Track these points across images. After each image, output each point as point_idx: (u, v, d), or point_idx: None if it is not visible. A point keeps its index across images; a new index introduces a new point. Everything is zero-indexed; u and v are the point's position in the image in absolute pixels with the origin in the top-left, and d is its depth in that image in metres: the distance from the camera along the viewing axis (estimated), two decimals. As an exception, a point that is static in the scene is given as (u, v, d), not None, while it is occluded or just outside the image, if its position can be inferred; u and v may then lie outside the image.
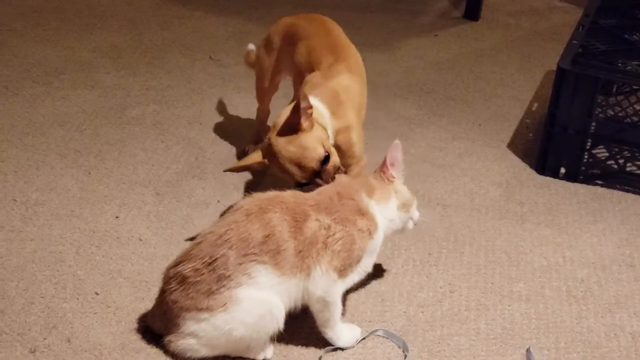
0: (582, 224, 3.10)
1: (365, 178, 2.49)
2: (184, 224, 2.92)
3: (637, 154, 3.37)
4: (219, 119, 3.71)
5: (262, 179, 3.19)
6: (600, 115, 3.40)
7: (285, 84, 3.30)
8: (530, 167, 3.46)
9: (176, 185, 3.16)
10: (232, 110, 3.80)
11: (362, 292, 2.64)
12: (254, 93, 3.37)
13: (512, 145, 3.64)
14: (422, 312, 2.58)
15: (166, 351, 2.30)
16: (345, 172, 2.64)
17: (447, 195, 3.23)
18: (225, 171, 2.71)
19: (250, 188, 3.03)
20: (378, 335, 2.46)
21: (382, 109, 3.90)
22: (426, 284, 2.71)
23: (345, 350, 2.39)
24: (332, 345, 2.38)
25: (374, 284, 2.68)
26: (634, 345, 2.51)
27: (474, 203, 3.19)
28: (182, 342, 2.26)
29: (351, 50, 3.03)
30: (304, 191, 2.45)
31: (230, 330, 2.21)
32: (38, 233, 2.83)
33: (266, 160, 2.60)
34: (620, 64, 3.46)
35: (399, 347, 2.42)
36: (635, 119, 3.49)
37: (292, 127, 2.54)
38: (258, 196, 2.34)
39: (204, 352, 2.27)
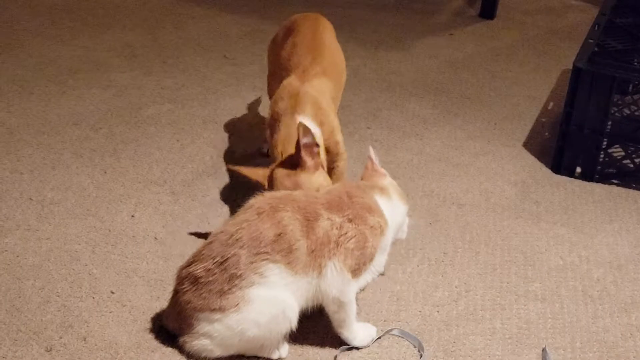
0: (598, 223, 3.09)
1: (367, 179, 2.49)
2: (199, 223, 2.93)
3: (653, 153, 3.36)
4: (234, 117, 3.71)
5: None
6: (617, 114, 3.40)
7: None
8: (546, 166, 3.45)
9: (191, 184, 3.16)
10: (246, 109, 3.80)
11: (377, 291, 2.64)
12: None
13: (528, 145, 3.63)
14: (438, 312, 2.57)
15: (181, 350, 2.30)
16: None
17: (463, 194, 3.22)
18: (228, 169, 2.72)
19: (259, 186, 3.02)
20: (393, 335, 2.45)
21: (397, 108, 3.89)
22: (441, 283, 2.71)
23: (360, 350, 2.39)
24: (348, 345, 2.38)
25: (389, 283, 2.68)
26: (650, 345, 2.51)
27: (490, 202, 3.18)
28: (196, 343, 2.26)
29: (329, 49, 3.07)
30: None
31: (243, 330, 2.20)
32: (54, 232, 2.84)
33: (265, 184, 2.63)
34: (636, 63, 3.44)
35: (415, 347, 2.42)
36: (651, 118, 3.48)
37: (293, 162, 2.57)
38: (269, 195, 2.34)
39: (219, 352, 2.27)
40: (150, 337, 2.38)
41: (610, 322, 2.58)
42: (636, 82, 3.59)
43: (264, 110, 3.62)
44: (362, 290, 2.48)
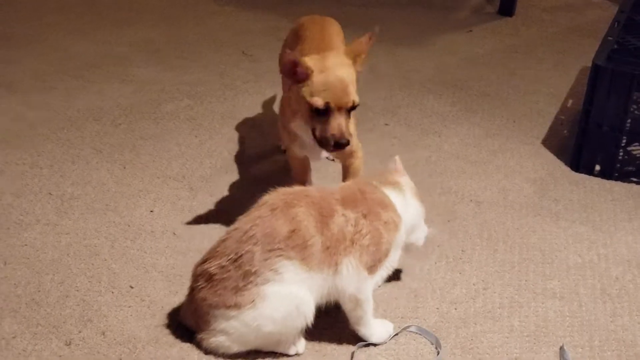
0: (617, 221, 3.08)
1: (381, 176, 2.49)
2: (217, 219, 2.93)
3: (673, 152, 3.35)
4: (252, 113, 3.72)
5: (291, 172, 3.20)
6: (636, 112, 3.38)
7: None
8: (565, 164, 3.44)
9: (210, 180, 3.17)
10: (265, 105, 3.81)
11: (395, 288, 2.64)
12: (286, 88, 3.39)
13: (547, 142, 3.62)
14: (455, 309, 2.57)
15: (199, 345, 2.31)
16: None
17: (481, 191, 3.22)
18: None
19: (276, 182, 3.03)
20: (411, 332, 2.45)
21: (415, 105, 3.89)
22: (459, 280, 2.70)
23: (377, 346, 2.39)
24: (365, 341, 2.38)
25: (407, 280, 2.68)
26: (668, 344, 2.50)
27: (508, 200, 3.17)
28: (213, 340, 2.27)
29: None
30: None
31: (259, 327, 2.21)
32: (73, 227, 2.85)
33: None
34: (656, 61, 3.43)
35: (432, 344, 2.42)
36: (671, 116, 3.46)
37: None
38: (283, 190, 2.33)
39: (236, 348, 2.28)
40: (169, 331, 2.39)
41: (629, 321, 2.57)
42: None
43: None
44: (379, 287, 2.49)
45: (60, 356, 2.28)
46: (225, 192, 3.10)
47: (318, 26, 3.11)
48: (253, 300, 2.18)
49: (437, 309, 2.56)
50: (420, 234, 2.54)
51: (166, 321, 2.43)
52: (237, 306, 2.19)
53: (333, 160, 3.22)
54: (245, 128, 3.59)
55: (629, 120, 3.31)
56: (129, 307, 2.48)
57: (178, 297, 2.51)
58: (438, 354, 2.37)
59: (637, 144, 3.40)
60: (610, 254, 2.88)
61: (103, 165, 3.23)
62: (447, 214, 3.05)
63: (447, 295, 2.63)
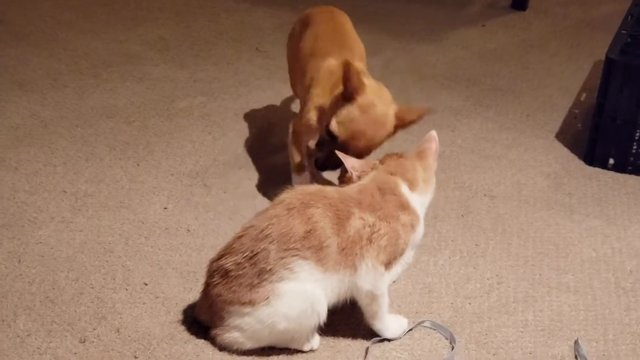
0: (631, 214, 3.07)
1: (405, 165, 2.45)
2: (231, 215, 2.94)
3: (687, 145, 3.34)
4: (266, 110, 3.73)
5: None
6: (650, 105, 3.37)
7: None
8: (579, 157, 3.43)
9: (223, 177, 3.17)
10: (278, 102, 3.81)
11: (409, 283, 2.64)
12: (300, 85, 3.39)
13: (561, 136, 3.62)
14: (470, 304, 2.57)
15: (214, 342, 2.31)
16: None
17: (495, 186, 3.21)
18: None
19: (290, 179, 3.04)
20: (425, 327, 2.45)
21: (428, 100, 3.89)
22: (473, 275, 2.70)
23: (392, 341, 2.39)
24: (380, 336, 2.38)
25: (421, 275, 2.68)
26: (684, 337, 2.49)
27: (522, 194, 3.17)
28: (227, 336, 2.27)
29: (354, 39, 3.08)
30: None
31: (273, 324, 2.21)
32: (87, 224, 2.86)
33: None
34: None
35: (446, 339, 2.42)
36: (685, 109, 3.45)
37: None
38: (300, 190, 2.33)
39: (250, 344, 2.28)
40: (183, 328, 2.40)
41: (644, 315, 2.57)
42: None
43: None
44: (394, 282, 2.49)
45: (75, 353, 2.28)
46: (239, 189, 3.11)
47: (327, 16, 3.12)
48: (267, 298, 2.18)
49: (452, 303, 2.56)
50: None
51: (181, 318, 2.44)
52: (251, 303, 2.19)
53: None
54: (259, 124, 3.59)
55: (643, 114, 3.30)
56: (144, 304, 2.49)
57: (192, 293, 2.52)
58: (452, 349, 2.37)
59: (651, 137, 3.39)
60: (625, 247, 2.88)
61: (117, 162, 3.24)
62: (461, 209, 3.05)
63: (461, 290, 2.62)
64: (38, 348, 2.29)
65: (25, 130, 3.45)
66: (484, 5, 5.26)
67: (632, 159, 3.33)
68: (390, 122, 2.70)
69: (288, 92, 3.85)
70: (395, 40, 4.55)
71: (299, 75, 3.08)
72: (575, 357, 2.37)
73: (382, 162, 2.43)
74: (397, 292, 2.58)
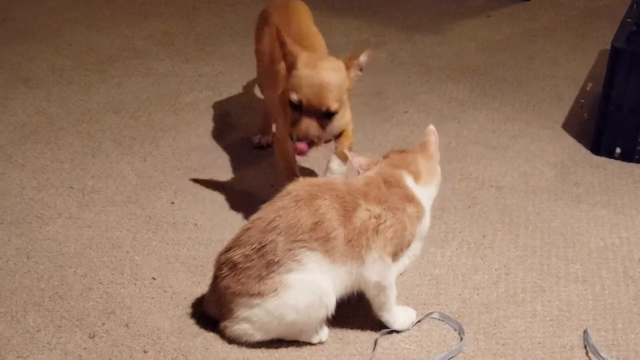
0: (639, 203, 3.06)
1: (408, 158, 2.46)
2: (239, 209, 2.94)
3: (694, 133, 3.33)
4: (272, 104, 3.73)
5: (315, 163, 3.19)
6: (657, 94, 3.36)
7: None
8: (586, 147, 3.43)
9: (230, 171, 3.17)
10: (284, 95, 3.81)
11: (417, 275, 2.64)
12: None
13: (567, 126, 3.61)
14: (478, 295, 2.57)
15: (223, 335, 2.32)
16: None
17: (501, 176, 3.21)
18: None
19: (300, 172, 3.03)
20: (433, 318, 2.46)
21: (434, 91, 3.89)
22: (481, 266, 2.70)
23: (400, 333, 2.39)
24: (388, 328, 2.38)
25: (429, 266, 2.68)
26: (693, 326, 2.49)
27: (529, 184, 3.16)
28: (236, 328, 2.28)
29: (318, 37, 3.02)
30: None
31: (282, 315, 2.22)
32: (95, 220, 2.86)
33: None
34: (676, 42, 3.41)
35: (455, 330, 2.42)
36: (692, 97, 3.44)
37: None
38: (307, 182, 2.33)
39: (259, 336, 2.28)
40: (192, 322, 2.40)
41: (652, 303, 2.57)
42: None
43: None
44: (401, 274, 2.48)
45: (84, 349, 2.29)
46: (246, 183, 3.11)
47: (283, 9, 3.08)
48: (276, 289, 2.19)
49: (459, 295, 2.56)
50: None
51: (189, 312, 2.44)
52: (260, 294, 2.20)
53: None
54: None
55: (649, 103, 3.30)
56: (152, 298, 2.50)
57: (200, 287, 2.52)
58: (461, 339, 2.37)
59: (658, 126, 3.39)
60: (633, 236, 2.87)
61: (123, 158, 3.24)
62: (468, 200, 3.04)
63: (469, 281, 2.62)
64: (48, 343, 2.30)
65: (32, 126, 3.46)
66: (489, -5, 5.26)
67: (639, 147, 3.32)
68: (340, 68, 2.65)
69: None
70: (400, 32, 4.55)
71: (266, 78, 3.05)
72: (585, 346, 2.37)
73: (385, 157, 2.44)
74: (405, 283, 2.58)
